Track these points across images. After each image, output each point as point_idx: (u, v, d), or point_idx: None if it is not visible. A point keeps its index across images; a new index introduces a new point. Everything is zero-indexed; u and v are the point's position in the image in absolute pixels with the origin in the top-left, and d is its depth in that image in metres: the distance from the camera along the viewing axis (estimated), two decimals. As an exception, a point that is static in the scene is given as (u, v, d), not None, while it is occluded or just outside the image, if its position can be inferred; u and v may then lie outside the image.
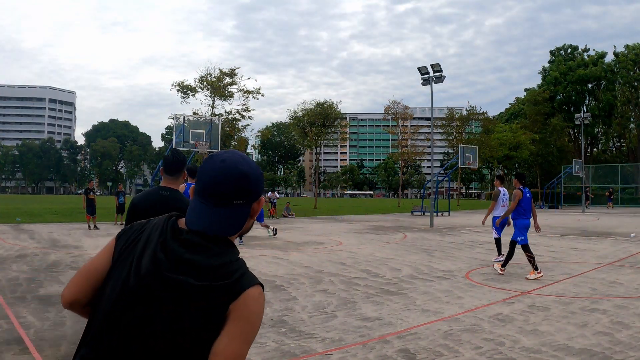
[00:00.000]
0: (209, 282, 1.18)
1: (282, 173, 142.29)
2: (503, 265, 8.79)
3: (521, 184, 8.98)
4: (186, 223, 1.28)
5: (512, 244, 8.75)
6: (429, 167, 71.22)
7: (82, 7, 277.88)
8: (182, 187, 7.81)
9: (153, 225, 1.30)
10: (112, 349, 1.20)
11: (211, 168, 1.27)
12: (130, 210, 3.62)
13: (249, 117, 37.66)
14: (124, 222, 19.31)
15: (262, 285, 1.27)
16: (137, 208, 3.60)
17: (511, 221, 9.37)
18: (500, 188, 10.73)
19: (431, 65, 22.16)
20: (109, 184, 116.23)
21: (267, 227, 15.93)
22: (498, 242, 10.54)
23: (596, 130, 63.21)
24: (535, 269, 8.35)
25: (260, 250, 12.10)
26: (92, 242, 13.48)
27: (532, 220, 8.85)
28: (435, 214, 26.02)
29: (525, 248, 8.48)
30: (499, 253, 10.47)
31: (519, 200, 8.72)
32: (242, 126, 38.26)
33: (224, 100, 36.01)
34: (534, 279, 8.21)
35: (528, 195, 8.87)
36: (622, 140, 65.48)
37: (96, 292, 1.31)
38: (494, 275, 8.68)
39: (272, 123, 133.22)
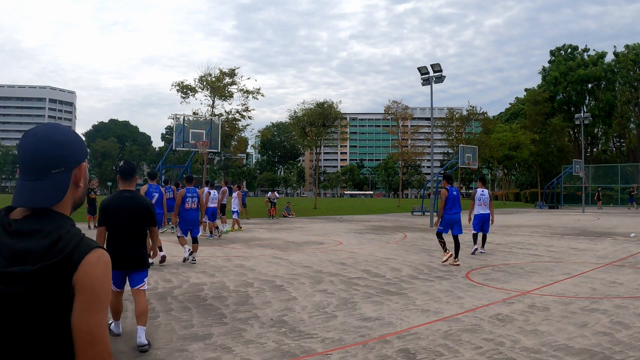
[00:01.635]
0: (45, 263, 1.17)
1: (282, 173, 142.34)
2: (455, 257, 9.93)
3: (449, 184, 10.28)
4: (12, 203, 1.28)
5: (455, 239, 10.07)
6: (429, 167, 71.22)
7: (82, 7, 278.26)
8: (143, 189, 9.96)
9: None
10: None
11: (25, 143, 1.28)
12: (102, 211, 4.81)
13: (249, 117, 37.70)
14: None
15: (101, 248, 1.25)
16: (108, 209, 4.80)
17: (494, 218, 11.70)
18: (478, 189, 12.22)
19: (431, 65, 22.15)
20: (109, 184, 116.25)
21: (217, 227, 15.65)
22: (475, 236, 11.99)
23: (596, 130, 63.16)
24: (445, 250, 9.99)
25: (260, 250, 12.10)
26: (92, 242, 13.47)
27: (466, 214, 10.47)
28: (435, 214, 25.99)
29: (439, 236, 10.12)
30: (475, 243, 11.92)
31: (446, 198, 10.06)
32: (242, 126, 38.31)
33: (223, 100, 36.04)
34: (444, 261, 9.88)
35: (455, 193, 10.26)
36: (622, 140, 65.45)
37: None
38: (494, 275, 8.68)
39: (272, 123, 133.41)
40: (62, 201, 1.30)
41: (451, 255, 9.89)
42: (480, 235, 12.10)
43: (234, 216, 17.98)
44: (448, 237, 10.26)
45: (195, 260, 10.05)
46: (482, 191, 12.06)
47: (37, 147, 1.27)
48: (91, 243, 1.24)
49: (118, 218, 4.78)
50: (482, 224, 11.86)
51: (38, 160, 1.27)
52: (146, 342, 4.65)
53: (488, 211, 11.87)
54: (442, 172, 11.51)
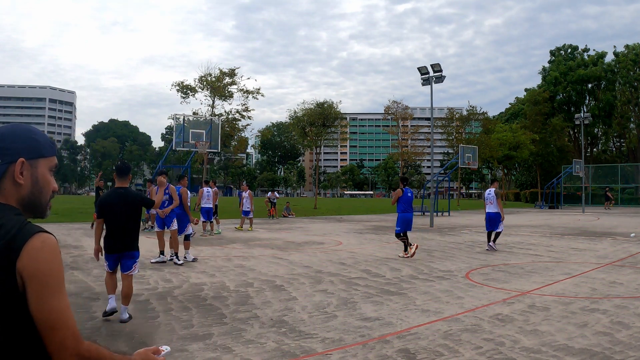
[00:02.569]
0: None
1: (282, 173, 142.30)
2: (405, 250, 10.90)
3: (404, 185, 11.04)
4: None
5: (405, 235, 10.96)
6: (429, 167, 71.22)
7: (82, 7, 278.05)
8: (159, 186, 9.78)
9: None
10: None
11: None
12: (99, 206, 5.67)
13: (249, 117, 37.74)
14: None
15: (47, 232, 1.23)
16: (105, 204, 5.61)
17: (504, 216, 12.58)
18: (490, 189, 12.98)
19: (431, 65, 22.15)
20: (109, 183, 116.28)
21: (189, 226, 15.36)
22: (489, 235, 12.46)
23: (596, 130, 63.21)
24: (405, 250, 10.82)
25: (261, 250, 12.11)
26: (92, 242, 13.47)
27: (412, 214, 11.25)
28: (435, 214, 26.02)
29: (398, 236, 10.97)
30: (488, 241, 12.37)
31: (399, 198, 10.84)
32: (242, 126, 38.32)
33: (223, 100, 36.08)
34: (404, 257, 10.63)
35: (409, 194, 11.01)
36: (622, 140, 65.51)
37: None
38: (494, 275, 8.68)
39: (272, 123, 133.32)
40: (2, 193, 1.28)
41: (410, 252, 10.72)
42: (488, 232, 12.61)
43: (250, 215, 18.12)
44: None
45: (172, 258, 10.05)
46: (489, 191, 12.79)
47: None
48: (34, 228, 1.22)
49: (113, 212, 5.55)
50: (488, 221, 12.50)
51: None
52: (127, 316, 5.56)
53: (493, 210, 12.36)
54: (402, 174, 12.75)
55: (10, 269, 1.16)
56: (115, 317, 5.66)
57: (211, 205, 15.75)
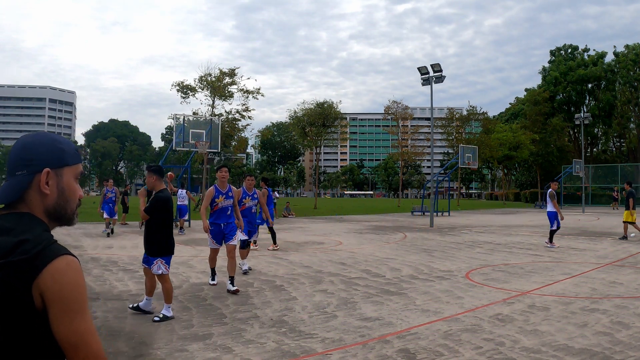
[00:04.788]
0: (7, 260, 1.14)
1: (282, 173, 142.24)
2: (275, 242, 12.31)
3: (267, 185, 12.39)
4: None
5: (271, 230, 12.00)
6: (429, 167, 71.10)
7: (82, 7, 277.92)
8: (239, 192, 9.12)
9: None
10: None
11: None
12: (169, 204, 5.82)
13: (249, 117, 37.66)
14: (126, 222, 20.51)
15: (72, 255, 1.21)
16: (170, 203, 5.84)
17: (563, 216, 13.19)
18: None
19: (431, 65, 22.13)
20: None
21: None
22: (553, 232, 13.04)
23: (596, 130, 63.15)
24: (274, 242, 12.27)
25: (261, 250, 12.10)
26: (92, 242, 13.48)
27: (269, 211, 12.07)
28: (435, 214, 26.01)
29: (271, 230, 12.06)
30: (551, 240, 12.94)
31: (267, 197, 12.03)
32: (242, 126, 38.25)
33: (224, 100, 36.00)
34: (272, 250, 12.05)
35: (270, 192, 12.57)
36: (622, 140, 65.45)
37: None
38: (494, 275, 8.68)
39: (272, 123, 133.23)
40: (28, 204, 1.27)
41: (278, 248, 12.23)
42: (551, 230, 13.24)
43: None
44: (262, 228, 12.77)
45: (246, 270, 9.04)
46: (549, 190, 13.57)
47: (12, 150, 1.31)
48: (60, 249, 1.20)
49: (170, 210, 5.87)
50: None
51: (9, 162, 1.30)
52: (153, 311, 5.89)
53: (549, 209, 13.22)
54: (264, 175, 14.49)
55: (26, 284, 1.14)
56: (115, 318, 5.66)
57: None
